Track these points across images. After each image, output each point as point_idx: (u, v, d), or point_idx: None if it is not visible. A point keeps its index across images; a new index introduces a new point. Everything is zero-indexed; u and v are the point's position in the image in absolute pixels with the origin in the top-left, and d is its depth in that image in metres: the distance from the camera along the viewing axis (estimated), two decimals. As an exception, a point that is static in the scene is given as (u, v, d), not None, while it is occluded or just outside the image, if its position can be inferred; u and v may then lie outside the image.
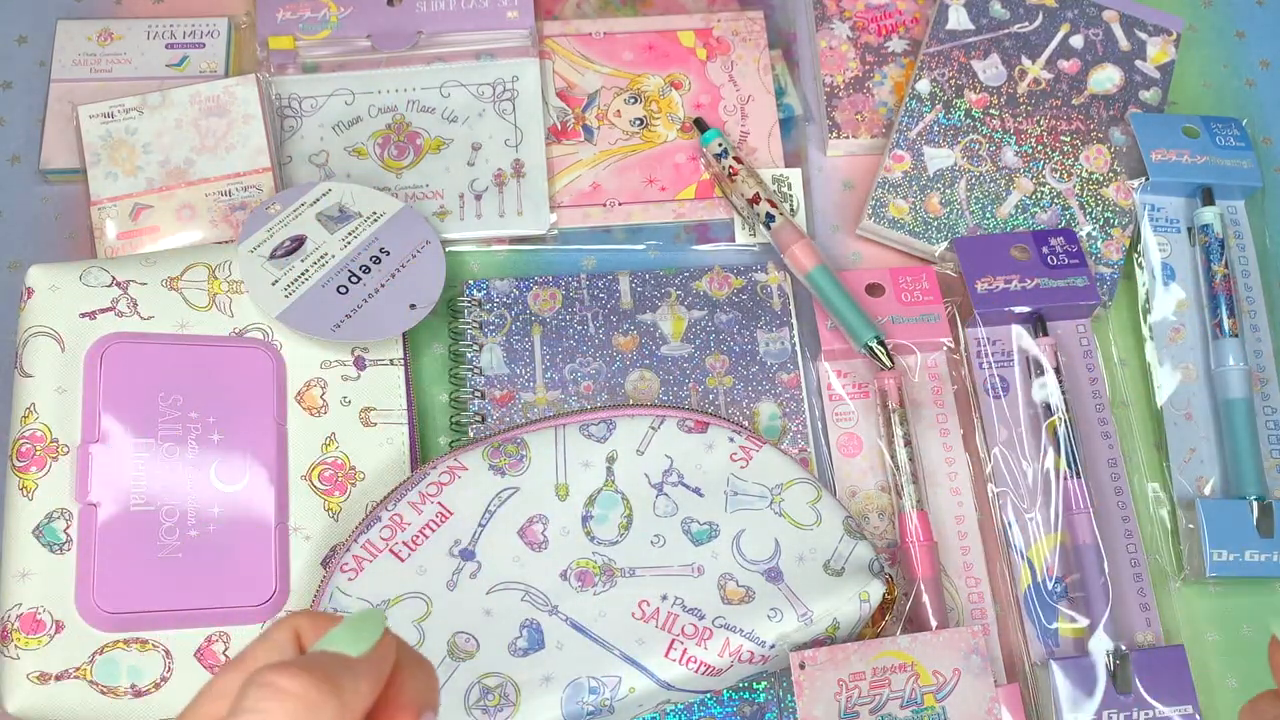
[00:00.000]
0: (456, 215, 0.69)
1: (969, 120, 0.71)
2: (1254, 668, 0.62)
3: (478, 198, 0.69)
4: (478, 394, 0.65)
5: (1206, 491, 0.64)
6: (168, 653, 0.56)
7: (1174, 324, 0.68)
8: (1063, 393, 0.64)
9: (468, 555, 0.57)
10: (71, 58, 0.72)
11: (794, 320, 0.67)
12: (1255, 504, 0.62)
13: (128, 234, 0.66)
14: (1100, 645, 0.59)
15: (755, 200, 0.68)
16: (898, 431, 0.63)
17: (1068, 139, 0.71)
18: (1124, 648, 0.59)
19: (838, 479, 0.64)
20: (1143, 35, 0.74)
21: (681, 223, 0.70)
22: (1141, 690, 0.58)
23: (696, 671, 0.55)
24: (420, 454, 0.64)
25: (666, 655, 0.55)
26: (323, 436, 0.61)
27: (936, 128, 0.71)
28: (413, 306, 0.64)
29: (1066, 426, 0.63)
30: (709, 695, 0.58)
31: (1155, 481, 0.65)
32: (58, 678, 0.55)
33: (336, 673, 0.29)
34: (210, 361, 0.61)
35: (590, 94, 0.73)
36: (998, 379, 0.65)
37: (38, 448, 0.57)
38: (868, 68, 0.74)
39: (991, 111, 0.72)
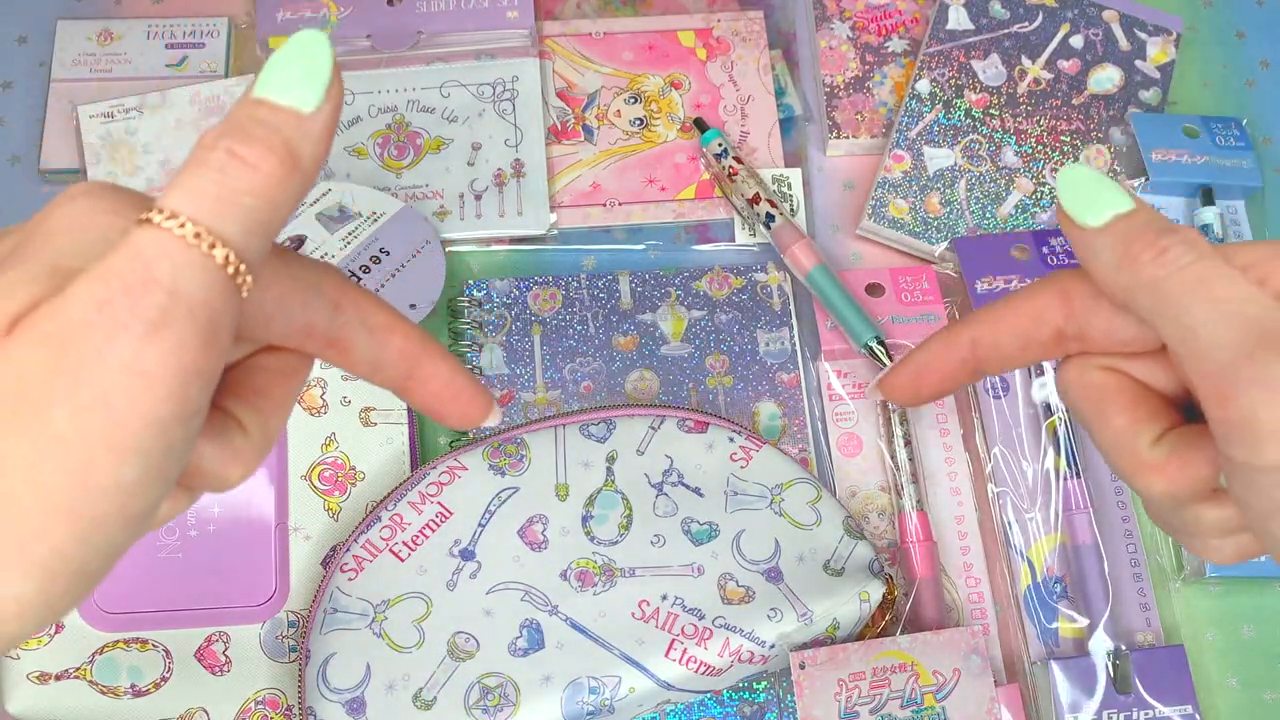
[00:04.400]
0: (456, 215, 0.69)
1: (969, 120, 0.71)
2: (1254, 668, 0.62)
3: (478, 198, 0.69)
4: (478, 394, 0.64)
5: (1206, 491, 0.64)
6: (168, 653, 0.56)
7: (1174, 324, 0.67)
8: (1063, 393, 0.64)
9: (468, 555, 0.57)
10: (71, 58, 0.72)
11: (794, 320, 0.67)
12: (1255, 504, 0.62)
13: (128, 234, 0.66)
14: (1100, 645, 0.59)
15: (755, 200, 0.68)
16: (898, 431, 0.63)
17: (1068, 139, 0.71)
18: (1124, 648, 0.59)
19: (838, 479, 0.64)
20: (1143, 35, 0.74)
21: (681, 223, 0.70)
22: (1141, 690, 0.58)
23: (696, 671, 0.55)
24: (420, 454, 0.64)
25: (666, 655, 0.55)
26: (322, 436, 0.61)
27: (936, 128, 0.71)
28: (413, 306, 0.64)
29: (1066, 426, 0.63)
30: (709, 695, 0.58)
31: (1155, 481, 0.65)
32: (58, 678, 0.55)
33: (296, 142, 0.26)
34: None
35: (590, 94, 0.73)
36: (998, 379, 0.65)
37: (38, 448, 0.57)
38: (868, 68, 0.74)
39: (991, 111, 0.72)
